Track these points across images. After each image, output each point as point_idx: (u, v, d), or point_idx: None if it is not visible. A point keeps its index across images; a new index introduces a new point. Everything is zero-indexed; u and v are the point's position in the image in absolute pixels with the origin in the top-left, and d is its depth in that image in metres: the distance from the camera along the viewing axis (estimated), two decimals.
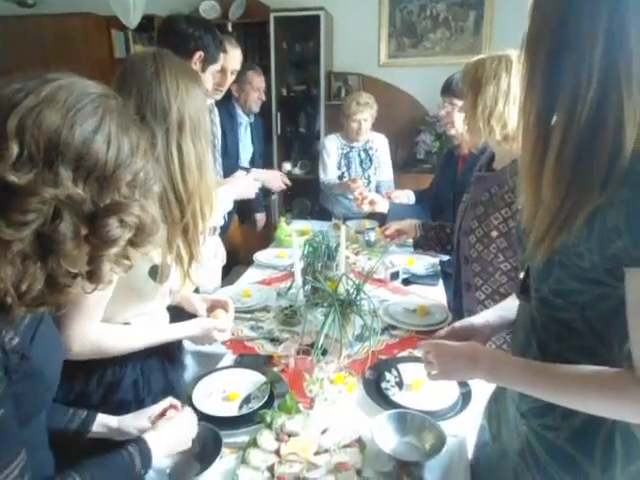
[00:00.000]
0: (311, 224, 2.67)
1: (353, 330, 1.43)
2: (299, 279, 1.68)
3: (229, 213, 2.46)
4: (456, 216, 1.62)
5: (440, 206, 2.30)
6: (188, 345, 1.41)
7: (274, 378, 1.26)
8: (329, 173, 2.91)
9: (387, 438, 1.04)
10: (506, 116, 1.33)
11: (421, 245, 1.90)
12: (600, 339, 0.77)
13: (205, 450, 1.00)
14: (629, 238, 0.66)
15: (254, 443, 1.04)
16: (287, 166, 4.32)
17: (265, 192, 2.71)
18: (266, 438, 1.05)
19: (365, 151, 2.90)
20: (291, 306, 1.67)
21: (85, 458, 0.79)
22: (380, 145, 2.92)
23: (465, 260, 1.51)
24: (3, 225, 0.56)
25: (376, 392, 1.22)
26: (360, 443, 1.04)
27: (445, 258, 2.11)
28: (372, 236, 2.30)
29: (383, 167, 2.93)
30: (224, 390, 1.22)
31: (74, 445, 0.93)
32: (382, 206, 2.21)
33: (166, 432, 0.93)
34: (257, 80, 2.93)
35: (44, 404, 0.76)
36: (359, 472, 0.97)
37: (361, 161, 2.90)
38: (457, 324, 1.11)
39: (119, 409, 1.03)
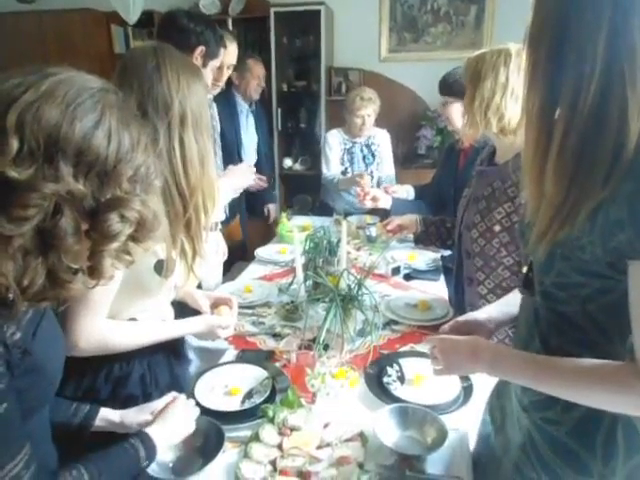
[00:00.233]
0: (312, 220, 2.66)
1: (354, 325, 1.43)
2: (300, 275, 1.67)
3: (232, 208, 2.46)
4: (457, 210, 1.62)
5: (442, 201, 2.29)
6: (191, 340, 1.42)
7: (276, 373, 1.27)
8: (332, 168, 2.88)
9: (389, 432, 1.04)
10: (503, 108, 1.32)
11: (422, 240, 1.90)
12: (602, 332, 0.77)
13: (208, 444, 1.00)
14: (633, 231, 0.66)
15: (256, 437, 1.04)
16: (288, 162, 4.32)
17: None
18: (268, 432, 1.05)
19: (367, 146, 2.89)
20: (292, 302, 1.67)
21: (88, 451, 0.79)
22: (382, 140, 2.91)
23: (467, 254, 1.51)
24: (4, 221, 0.56)
25: (378, 386, 1.22)
26: (362, 437, 1.04)
27: (447, 253, 2.11)
28: (373, 231, 2.29)
29: (385, 162, 2.92)
30: (226, 385, 1.23)
31: (77, 439, 0.93)
32: (385, 202, 2.20)
33: (163, 424, 0.93)
34: (257, 68, 2.93)
35: (46, 398, 0.76)
36: (361, 466, 0.97)
37: (364, 156, 2.89)
38: (461, 318, 1.12)
39: (127, 404, 1.03)
